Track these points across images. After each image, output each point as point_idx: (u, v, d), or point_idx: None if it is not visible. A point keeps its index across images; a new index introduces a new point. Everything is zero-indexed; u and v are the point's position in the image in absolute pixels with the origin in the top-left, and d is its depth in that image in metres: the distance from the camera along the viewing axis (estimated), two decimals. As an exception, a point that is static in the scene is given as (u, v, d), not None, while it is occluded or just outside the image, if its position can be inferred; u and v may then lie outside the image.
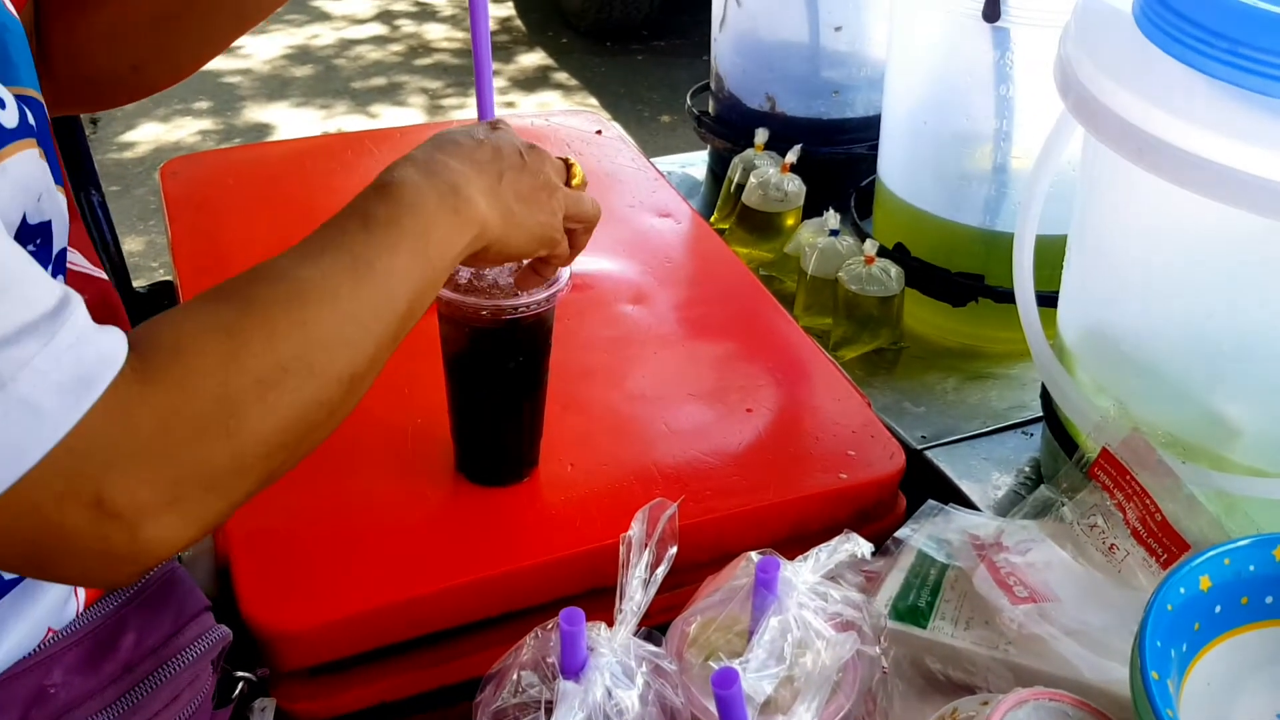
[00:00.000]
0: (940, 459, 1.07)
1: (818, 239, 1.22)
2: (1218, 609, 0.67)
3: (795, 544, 0.79)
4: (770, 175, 1.31)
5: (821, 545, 0.66)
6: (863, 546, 0.67)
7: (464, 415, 0.91)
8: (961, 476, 1.05)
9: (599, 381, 1.04)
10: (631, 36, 4.53)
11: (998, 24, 1.06)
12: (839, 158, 1.40)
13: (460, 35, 4.72)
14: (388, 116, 3.97)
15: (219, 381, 0.53)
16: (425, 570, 0.86)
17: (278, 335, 0.56)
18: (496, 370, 0.87)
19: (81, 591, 0.68)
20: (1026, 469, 1.07)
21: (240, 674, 0.76)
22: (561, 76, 4.35)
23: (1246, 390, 0.81)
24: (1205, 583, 0.66)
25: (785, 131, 1.36)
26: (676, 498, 0.90)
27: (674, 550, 0.64)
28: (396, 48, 4.57)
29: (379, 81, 4.26)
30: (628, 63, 4.42)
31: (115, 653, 0.68)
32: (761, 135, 1.35)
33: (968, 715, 0.64)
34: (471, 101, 4.20)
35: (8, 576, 0.62)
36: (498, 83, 4.32)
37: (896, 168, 1.23)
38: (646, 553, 0.63)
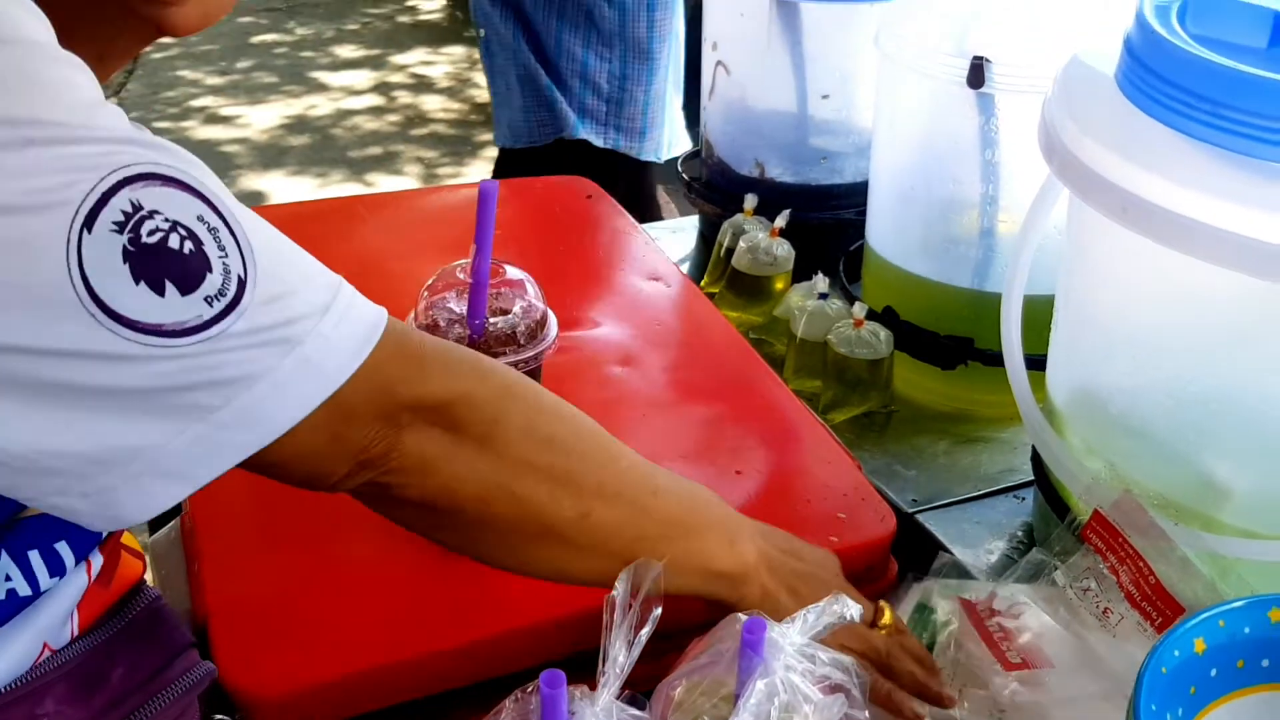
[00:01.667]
0: (931, 523, 1.06)
1: (807, 302, 1.22)
2: (1213, 672, 0.66)
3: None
4: (760, 240, 1.32)
5: (810, 606, 0.65)
6: (851, 609, 0.66)
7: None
8: (953, 540, 1.04)
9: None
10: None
11: (982, 90, 1.07)
12: (827, 223, 1.41)
13: (456, 106, 4.78)
14: (384, 185, 4.00)
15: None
16: (407, 635, 0.84)
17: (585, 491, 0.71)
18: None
19: (77, 616, 0.68)
20: (1019, 533, 1.06)
21: (219, 717, 0.75)
22: (555, 146, 4.39)
23: (1236, 450, 0.81)
24: (1200, 645, 0.65)
25: (774, 197, 1.37)
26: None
27: (658, 611, 0.62)
28: (393, 118, 4.62)
29: (375, 151, 4.31)
30: (621, 133, 4.47)
31: (106, 685, 0.68)
32: (750, 201, 1.36)
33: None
34: (465, 171, 4.24)
35: (19, 596, 0.62)
36: (492, 152, 4.36)
37: (885, 232, 1.24)
38: (631, 613, 0.62)
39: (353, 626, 0.84)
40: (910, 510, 1.06)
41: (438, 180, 4.10)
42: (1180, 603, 0.79)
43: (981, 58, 1.04)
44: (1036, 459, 1.00)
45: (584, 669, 0.66)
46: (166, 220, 0.51)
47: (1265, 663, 0.67)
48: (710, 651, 0.64)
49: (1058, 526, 0.93)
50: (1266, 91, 0.74)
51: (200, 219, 0.53)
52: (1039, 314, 1.01)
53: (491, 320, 0.83)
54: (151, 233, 0.51)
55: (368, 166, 4.14)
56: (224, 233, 0.54)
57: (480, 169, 4.21)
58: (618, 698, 0.59)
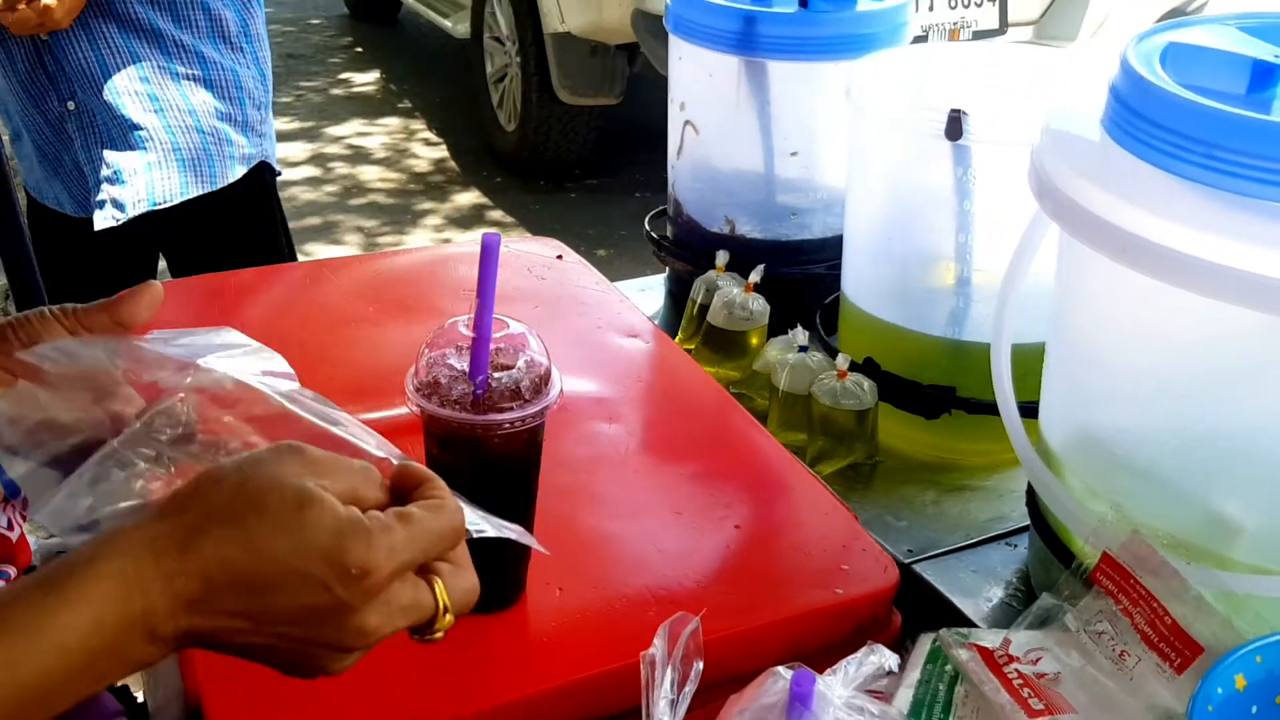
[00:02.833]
0: (929, 573, 1.05)
1: (787, 355, 1.22)
2: (1254, 709, 0.65)
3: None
4: (735, 295, 1.31)
5: (848, 658, 0.63)
6: (889, 658, 0.65)
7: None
8: (953, 591, 1.03)
9: (580, 501, 1.01)
10: (564, 175, 4.62)
11: (959, 142, 1.08)
12: (798, 277, 1.41)
13: (394, 176, 4.77)
14: (323, 254, 3.96)
15: None
16: (409, 707, 0.81)
17: None
18: (480, 484, 0.84)
19: None
20: (1015, 580, 1.05)
21: None
22: (497, 214, 4.40)
23: (1246, 487, 0.81)
24: (1241, 682, 0.65)
25: (745, 253, 1.37)
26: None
27: (700, 665, 0.60)
28: (331, 188, 4.59)
29: (314, 221, 4.26)
30: (561, 200, 4.49)
31: None
32: (722, 257, 1.36)
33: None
34: (406, 239, 4.21)
35: None
36: (434, 220, 4.36)
37: (862, 284, 1.24)
38: (670, 670, 0.59)
39: (350, 701, 0.80)
40: (907, 560, 1.05)
41: (378, 248, 4.07)
42: (1199, 643, 0.79)
43: (959, 110, 1.05)
44: (1033, 504, 1.00)
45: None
46: None
47: (1303, 698, 0.67)
48: (754, 709, 0.62)
49: (1059, 571, 0.92)
50: (1256, 132, 0.75)
51: None
52: (1021, 362, 1.01)
53: (495, 375, 0.81)
54: None
55: (307, 237, 4.09)
56: None
57: (422, 237, 4.19)
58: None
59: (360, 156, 4.97)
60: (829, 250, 1.38)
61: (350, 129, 5.26)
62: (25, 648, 0.49)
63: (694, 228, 1.45)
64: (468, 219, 4.37)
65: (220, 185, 1.96)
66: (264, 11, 2.05)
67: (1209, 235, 0.75)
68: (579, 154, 4.59)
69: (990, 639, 0.87)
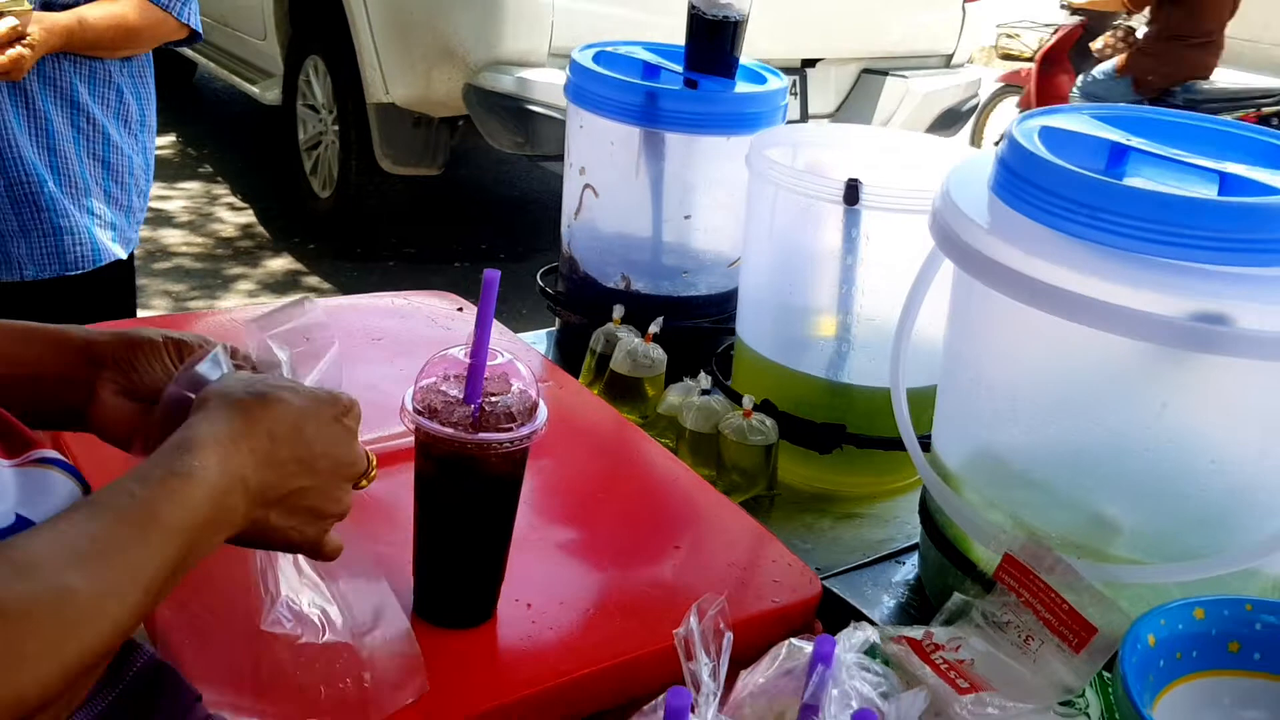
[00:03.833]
0: (836, 587, 1.17)
1: (692, 398, 1.33)
2: (1161, 663, 0.79)
3: (734, 669, 0.85)
4: (636, 344, 1.42)
5: (842, 631, 0.73)
6: (870, 632, 0.75)
7: (437, 552, 0.93)
8: (859, 601, 1.15)
9: (537, 528, 1.07)
10: (380, 243, 4.63)
11: (852, 206, 1.23)
12: (689, 330, 1.53)
13: (199, 240, 4.65)
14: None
15: None
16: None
17: (19, 658, 0.51)
18: (472, 502, 0.90)
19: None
20: (907, 590, 1.19)
21: None
22: (313, 280, 4.35)
23: (1122, 492, 0.97)
24: (1151, 640, 0.79)
25: (639, 307, 1.48)
26: (637, 627, 0.96)
27: (730, 637, 0.69)
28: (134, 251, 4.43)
29: (116, 284, 4.10)
30: (380, 268, 4.49)
31: None
32: (619, 311, 1.47)
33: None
34: (219, 303, 4.10)
35: None
36: (246, 285, 4.28)
37: (759, 332, 1.37)
38: (702, 643, 0.68)
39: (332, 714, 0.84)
40: (822, 577, 1.16)
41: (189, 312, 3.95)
42: (1093, 624, 0.93)
43: (856, 179, 1.21)
44: (929, 522, 1.14)
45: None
46: None
47: (1195, 654, 0.81)
48: (772, 675, 0.71)
49: (956, 577, 1.06)
50: (1116, 195, 0.92)
51: None
52: (910, 403, 1.16)
53: (490, 399, 0.88)
54: None
55: (111, 300, 3.93)
56: None
57: (234, 302, 4.10)
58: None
59: (161, 220, 4.82)
60: (717, 305, 1.51)
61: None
62: (183, 494, 0.62)
63: (590, 283, 1.55)
64: (282, 284, 4.30)
65: (93, 267, 1.93)
66: (155, 105, 2.06)
67: (1082, 275, 0.90)
68: (397, 222, 4.62)
69: (915, 633, 0.99)
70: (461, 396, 0.88)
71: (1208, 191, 0.95)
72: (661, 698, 0.63)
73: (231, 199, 5.17)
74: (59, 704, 0.56)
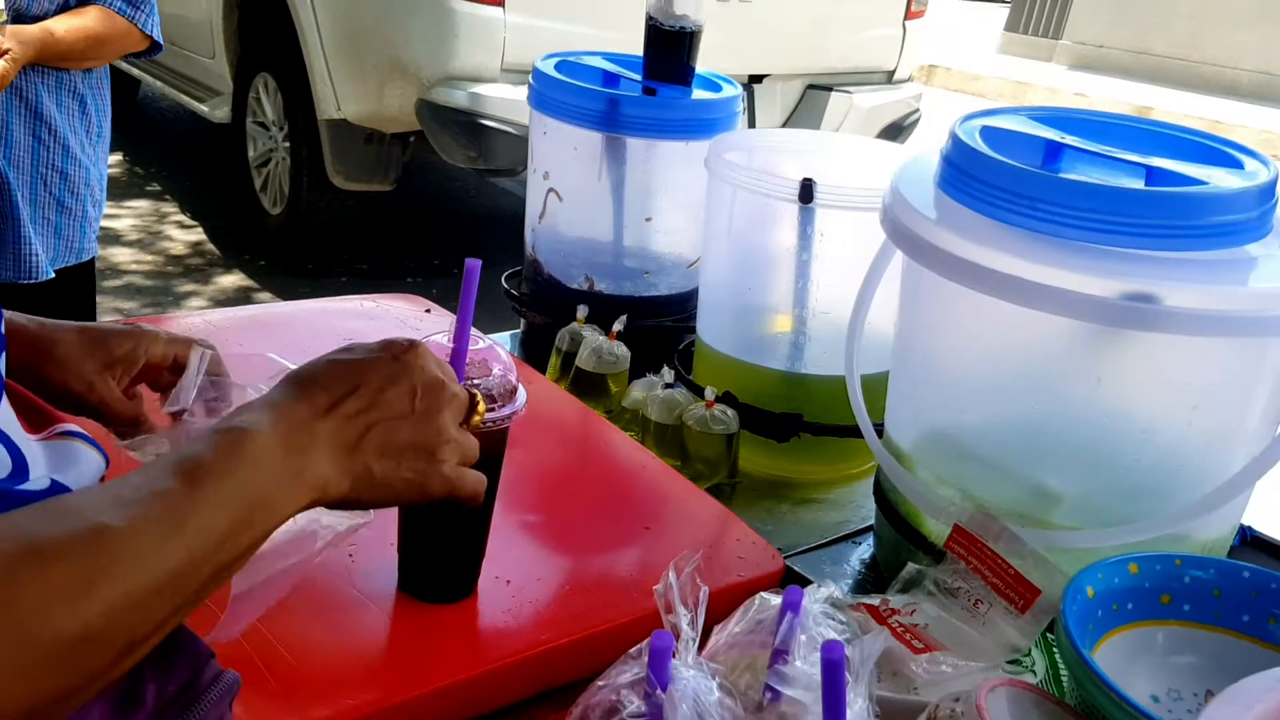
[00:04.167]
0: (798, 565, 1.23)
1: (656, 392, 1.38)
2: (1100, 613, 0.86)
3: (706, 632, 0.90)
4: (601, 342, 1.47)
5: (810, 587, 0.79)
6: (833, 589, 0.81)
7: (422, 529, 0.97)
8: (819, 578, 1.20)
9: (516, 511, 1.12)
10: (332, 260, 4.64)
11: (808, 205, 1.30)
12: (651, 328, 1.59)
13: (149, 258, 4.63)
14: (84, 335, 3.80)
15: None
16: (369, 688, 0.88)
17: (55, 593, 0.51)
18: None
19: None
20: (862, 568, 1.25)
21: None
22: (265, 296, 4.35)
23: (1061, 464, 1.04)
24: (1090, 592, 0.85)
25: (602, 307, 1.53)
26: (613, 601, 1.01)
27: (706, 589, 0.75)
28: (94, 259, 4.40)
29: (66, 302, 4.08)
30: (332, 284, 4.50)
31: (142, 705, 0.69)
32: (583, 311, 1.52)
33: (948, 708, 0.78)
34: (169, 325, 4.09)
35: None
36: (197, 302, 4.27)
37: (719, 329, 1.44)
38: (680, 596, 0.74)
39: (318, 684, 0.87)
40: (784, 556, 1.22)
41: (142, 330, 3.94)
42: (1036, 586, 1.00)
43: (810, 179, 1.27)
44: (883, 501, 1.20)
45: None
46: None
47: (1130, 605, 0.88)
48: (746, 623, 0.76)
49: (909, 551, 1.13)
50: (1053, 187, 1.00)
51: None
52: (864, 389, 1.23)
53: (474, 381, 0.92)
54: None
55: (61, 317, 3.92)
56: None
57: (187, 319, 4.09)
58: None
59: (109, 238, 4.79)
60: (677, 305, 1.57)
61: (97, 210, 5.06)
62: (232, 444, 0.62)
63: (554, 285, 1.60)
64: (234, 301, 4.30)
65: (46, 277, 1.95)
66: (110, 117, 2.09)
67: (1022, 261, 0.97)
68: (349, 238, 4.64)
69: (873, 600, 1.05)
70: (444, 380, 0.93)
71: (1136, 183, 1.03)
72: (646, 641, 0.69)
73: (181, 217, 5.15)
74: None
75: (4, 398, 0.68)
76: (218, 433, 0.63)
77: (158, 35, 2.01)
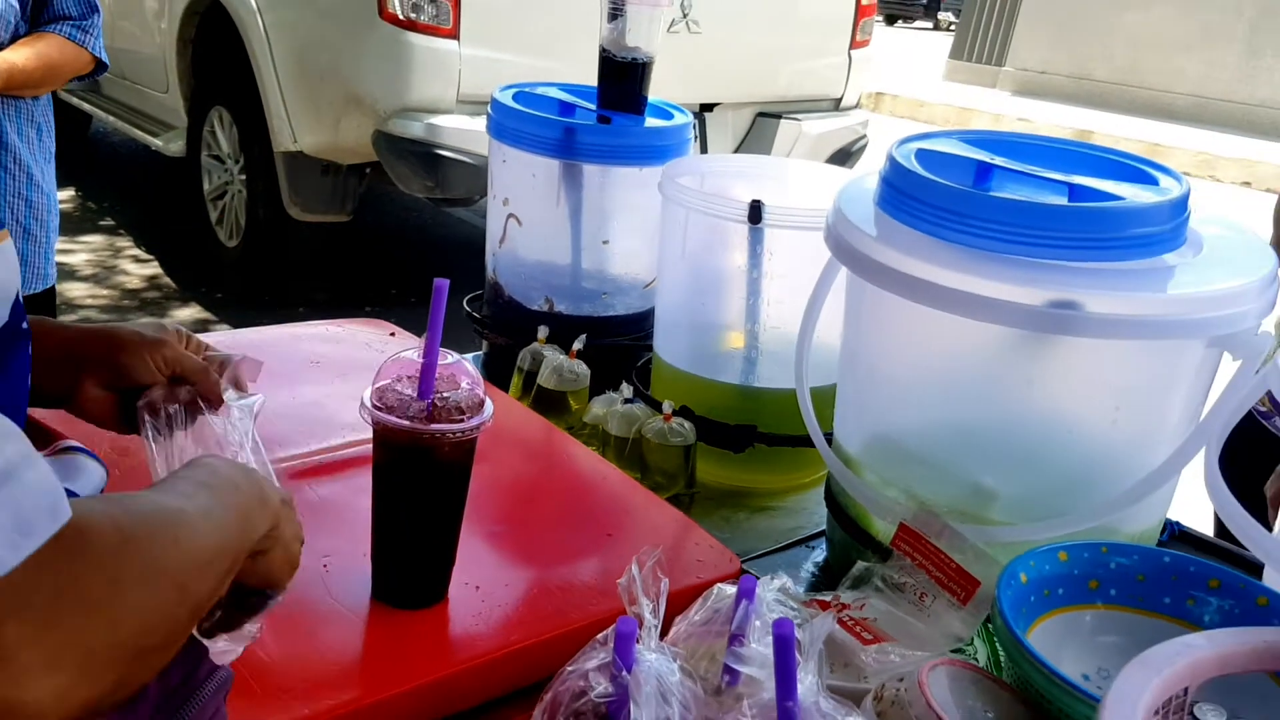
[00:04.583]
0: (754, 568, 1.28)
1: (616, 407, 1.44)
2: (1032, 599, 0.92)
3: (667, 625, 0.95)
4: (562, 361, 1.53)
5: (764, 578, 0.85)
6: (786, 580, 0.87)
7: (394, 537, 1.02)
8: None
9: (483, 520, 1.17)
10: (288, 290, 4.66)
11: (757, 225, 1.37)
12: (609, 347, 1.64)
13: (104, 292, 4.63)
14: (40, 370, 3.79)
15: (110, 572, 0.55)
16: (340, 690, 0.92)
17: (157, 543, 0.59)
18: (427, 489, 1.00)
19: None
20: (815, 570, 1.31)
21: None
22: (223, 328, 4.36)
23: (997, 464, 1.11)
24: (1024, 578, 0.92)
25: (562, 328, 1.59)
26: (578, 603, 1.06)
27: (666, 581, 0.80)
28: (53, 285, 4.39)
29: (21, 337, 4.07)
30: (290, 315, 4.50)
31: (145, 698, 0.72)
32: (543, 332, 1.57)
33: (893, 688, 0.83)
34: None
35: None
36: (155, 335, 4.26)
37: (675, 344, 1.50)
38: (643, 587, 0.79)
39: (291, 686, 0.91)
40: (742, 561, 1.28)
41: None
42: (976, 579, 1.06)
43: (759, 201, 1.34)
44: (833, 505, 1.27)
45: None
46: None
47: (1060, 591, 0.95)
48: (705, 611, 0.82)
49: (859, 552, 1.19)
50: (984, 205, 1.07)
51: None
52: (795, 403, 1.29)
53: (442, 395, 0.98)
54: None
55: (17, 352, 3.90)
56: None
57: (144, 352, 4.09)
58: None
59: (64, 273, 4.78)
60: (633, 325, 1.63)
61: (51, 245, 5.05)
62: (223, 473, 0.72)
63: (515, 307, 1.66)
64: (194, 331, 4.30)
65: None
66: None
67: (956, 273, 1.03)
68: (306, 269, 4.66)
69: (825, 597, 1.11)
70: (415, 394, 0.98)
71: (1059, 200, 1.11)
72: (612, 628, 0.74)
73: (136, 250, 5.15)
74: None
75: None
76: (200, 468, 0.72)
77: (104, 56, 2.07)
